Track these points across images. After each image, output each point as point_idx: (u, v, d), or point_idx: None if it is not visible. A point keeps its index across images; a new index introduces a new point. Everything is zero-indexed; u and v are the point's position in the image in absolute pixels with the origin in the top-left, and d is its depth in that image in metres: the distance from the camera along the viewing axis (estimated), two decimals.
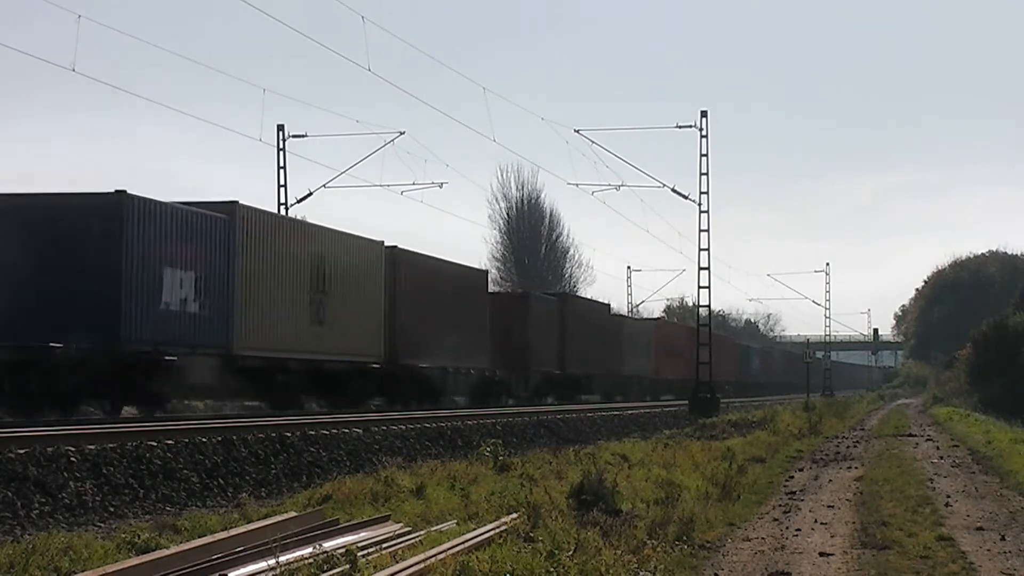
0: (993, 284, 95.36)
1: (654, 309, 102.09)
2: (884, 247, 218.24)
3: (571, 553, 9.31)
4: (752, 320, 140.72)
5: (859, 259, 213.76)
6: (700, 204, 45.88)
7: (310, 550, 8.78)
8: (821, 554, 10.91)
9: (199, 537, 10.09)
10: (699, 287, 47.56)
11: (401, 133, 43.86)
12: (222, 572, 8.30)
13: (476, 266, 42.12)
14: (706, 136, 45.32)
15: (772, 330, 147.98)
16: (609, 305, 64.55)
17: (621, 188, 47.97)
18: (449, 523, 11.33)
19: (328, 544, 9.12)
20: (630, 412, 41.66)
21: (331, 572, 8.27)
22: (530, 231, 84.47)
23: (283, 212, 42.92)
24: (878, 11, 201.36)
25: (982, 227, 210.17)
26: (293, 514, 11.41)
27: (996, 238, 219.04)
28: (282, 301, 28.51)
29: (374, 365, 32.79)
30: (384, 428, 23.22)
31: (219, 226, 26.07)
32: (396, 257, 34.38)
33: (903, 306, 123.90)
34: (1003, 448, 24.76)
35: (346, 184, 51.67)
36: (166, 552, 8.93)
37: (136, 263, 23.55)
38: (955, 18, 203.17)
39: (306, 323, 29.51)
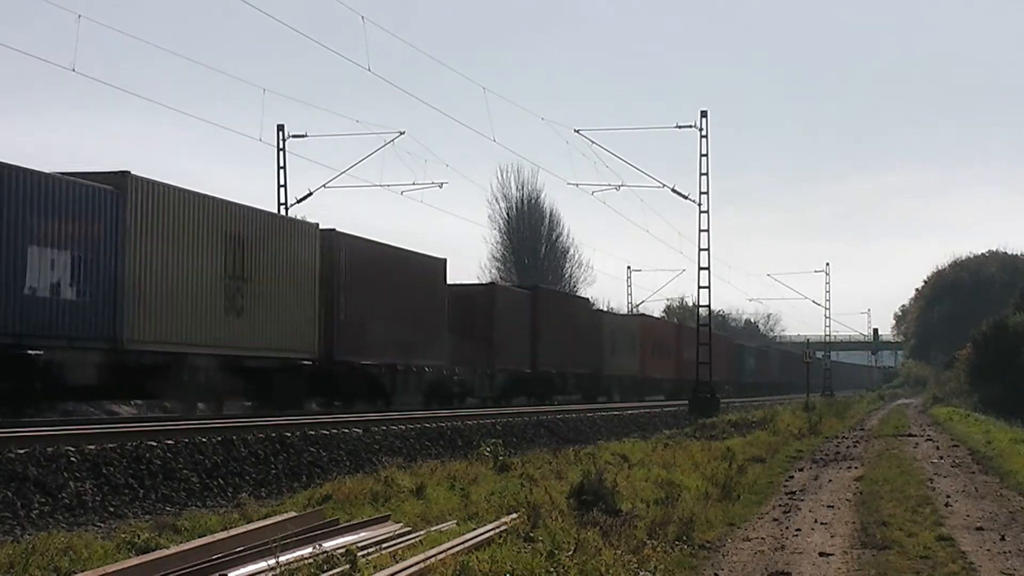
0: (993, 284, 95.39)
1: (654, 309, 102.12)
2: (884, 247, 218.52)
3: (571, 553, 9.31)
4: (752, 320, 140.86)
5: (859, 259, 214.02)
6: (700, 204, 45.88)
7: (310, 550, 8.79)
8: (821, 554, 10.91)
9: (199, 537, 10.09)
10: (699, 287, 47.57)
11: (401, 133, 43.77)
12: (222, 572, 8.30)
13: (435, 255, 38.23)
14: (706, 136, 45.33)
15: (772, 330, 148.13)
16: (588, 299, 62.21)
17: (621, 188, 47.96)
18: (449, 523, 11.34)
19: (328, 544, 9.12)
20: (630, 412, 41.66)
21: (331, 572, 8.27)
22: (530, 231, 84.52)
23: (283, 212, 42.84)
24: (878, 11, 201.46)
25: (982, 227, 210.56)
26: (293, 514, 11.41)
27: (996, 238, 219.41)
28: (188, 287, 25.03)
29: (305, 361, 29.70)
30: (384, 428, 23.22)
31: (105, 200, 22.66)
32: (334, 241, 31.09)
33: (903, 306, 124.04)
34: (1003, 448, 24.76)
35: (346, 184, 51.63)
36: (166, 552, 8.93)
37: None
38: (955, 18, 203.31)
39: (219, 313, 26.07)
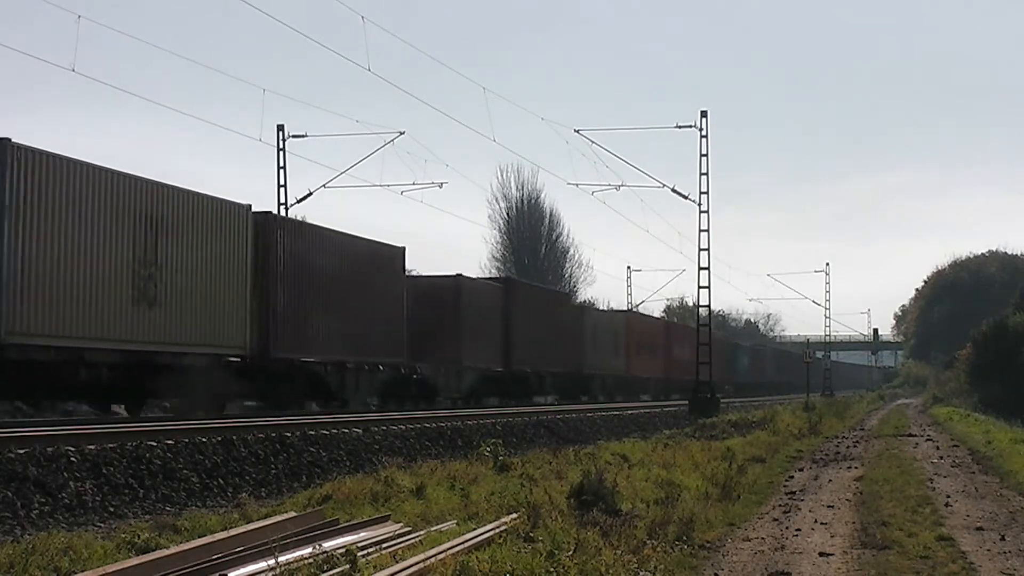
0: (993, 284, 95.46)
1: (654, 309, 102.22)
2: (884, 247, 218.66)
3: (571, 553, 9.31)
4: (752, 320, 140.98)
5: (859, 259, 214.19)
6: (700, 204, 45.88)
7: (310, 550, 8.78)
8: (821, 554, 10.91)
9: (199, 537, 10.09)
10: (699, 287, 47.54)
11: (401, 133, 43.83)
12: (222, 572, 8.30)
13: (392, 243, 35.37)
14: (706, 136, 45.33)
15: (772, 330, 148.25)
16: (568, 294, 60.49)
17: (621, 188, 47.99)
18: (449, 523, 11.33)
19: (328, 544, 9.12)
20: (630, 412, 41.65)
21: (331, 572, 8.27)
22: (530, 231, 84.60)
23: (283, 212, 42.84)
24: (878, 11, 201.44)
25: (982, 227, 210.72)
26: (293, 514, 11.41)
27: (996, 238, 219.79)
28: (86, 274, 22.23)
29: (233, 358, 26.91)
30: (384, 428, 23.22)
31: None
32: (270, 225, 28.51)
33: (903, 306, 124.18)
34: (1003, 448, 24.76)
35: (346, 184, 51.77)
36: (166, 552, 8.93)
37: None
38: (955, 18, 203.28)
39: (127, 303, 23.22)
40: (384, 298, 33.73)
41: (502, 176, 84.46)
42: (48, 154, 21.52)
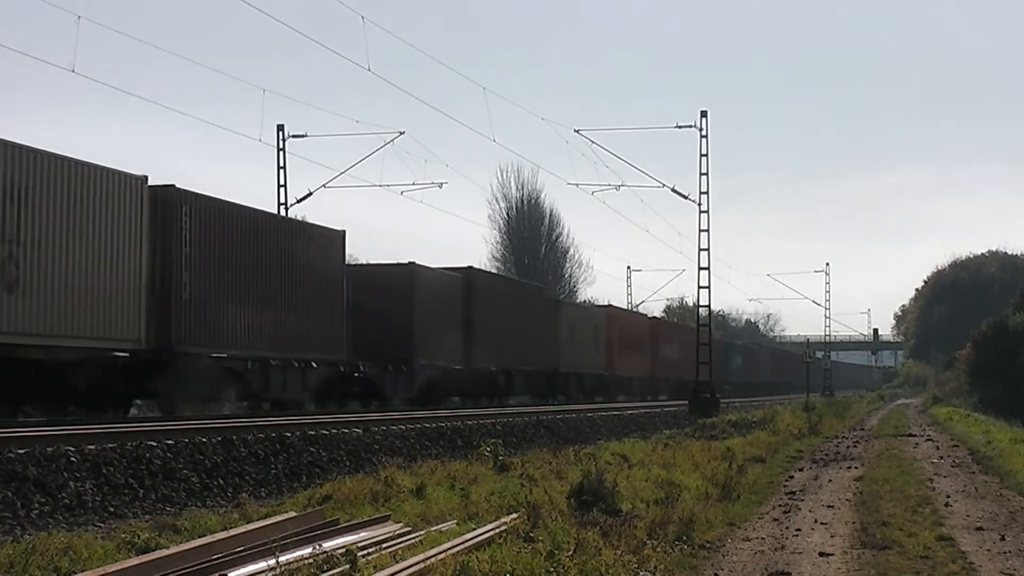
0: (993, 284, 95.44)
1: (654, 309, 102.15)
2: (884, 247, 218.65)
3: (571, 553, 9.31)
4: (752, 320, 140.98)
5: (859, 259, 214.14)
6: (700, 204, 45.90)
7: (310, 550, 8.79)
8: (821, 554, 10.92)
9: (199, 537, 10.10)
10: (699, 287, 47.56)
11: (401, 133, 43.74)
12: (222, 572, 8.31)
13: (334, 227, 32.33)
14: (706, 136, 45.34)
15: (772, 330, 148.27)
16: (541, 286, 56.19)
17: (621, 188, 48.01)
18: (449, 523, 11.34)
19: (328, 544, 9.12)
20: (630, 412, 41.67)
21: (331, 572, 8.27)
22: (530, 231, 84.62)
23: (283, 212, 42.81)
24: (878, 11, 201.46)
25: (982, 227, 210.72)
26: (293, 514, 11.41)
27: (996, 238, 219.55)
28: None
29: (121, 353, 23.48)
30: (384, 428, 23.22)
31: None
32: (174, 200, 24.79)
33: (903, 306, 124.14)
34: (1003, 448, 24.77)
35: (346, 184, 51.63)
36: (166, 552, 8.93)
37: None
38: (955, 19, 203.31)
39: None
40: (320, 287, 30.54)
41: (502, 176, 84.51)
42: None
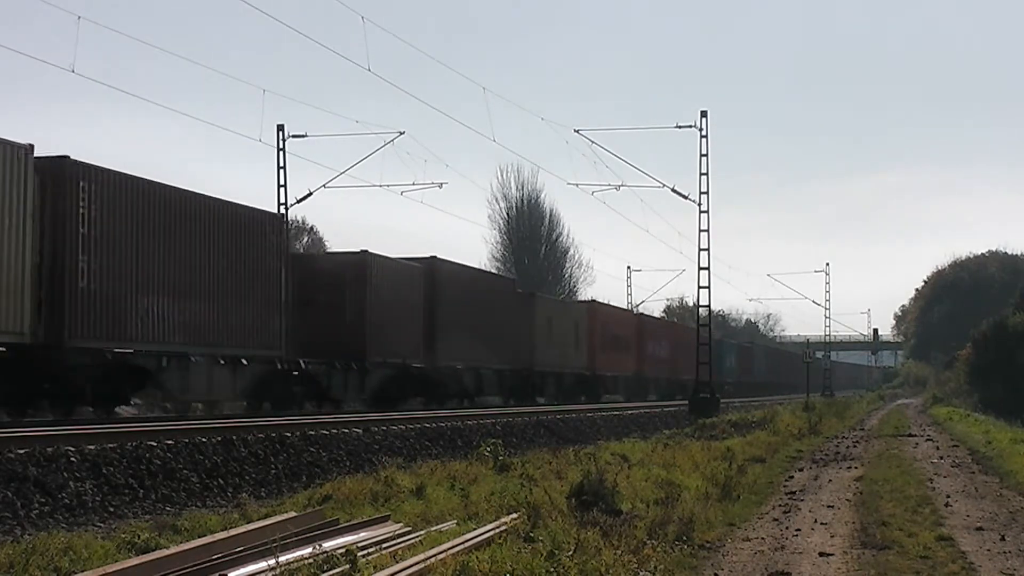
0: (993, 284, 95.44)
1: (654, 309, 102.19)
2: (884, 247, 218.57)
3: (571, 553, 9.31)
4: (752, 320, 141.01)
5: (859, 259, 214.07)
6: (700, 204, 45.87)
7: (310, 550, 8.79)
8: (821, 554, 10.92)
9: (199, 537, 10.11)
10: (699, 287, 47.51)
11: (401, 133, 43.63)
12: (222, 572, 8.31)
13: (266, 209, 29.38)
14: (706, 136, 45.30)
15: (772, 330, 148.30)
16: (513, 279, 53.21)
17: (621, 188, 47.97)
18: (449, 523, 11.34)
19: (328, 544, 9.13)
20: (630, 412, 41.68)
21: (331, 572, 8.27)
22: (530, 231, 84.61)
23: (283, 212, 42.79)
24: (878, 12, 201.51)
25: (982, 227, 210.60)
26: (293, 514, 11.42)
27: (996, 238, 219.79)
28: None
29: None
30: (384, 428, 23.22)
31: None
32: (68, 174, 22.06)
33: (903, 306, 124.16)
34: (1003, 448, 24.77)
35: (346, 184, 51.54)
36: (166, 552, 8.94)
37: None
38: (956, 19, 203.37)
39: None
40: (253, 276, 27.80)
41: (502, 176, 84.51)
42: None
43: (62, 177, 21.91)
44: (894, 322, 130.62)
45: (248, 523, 10.92)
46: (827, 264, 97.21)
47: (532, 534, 10.24)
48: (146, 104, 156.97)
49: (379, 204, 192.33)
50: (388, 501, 13.29)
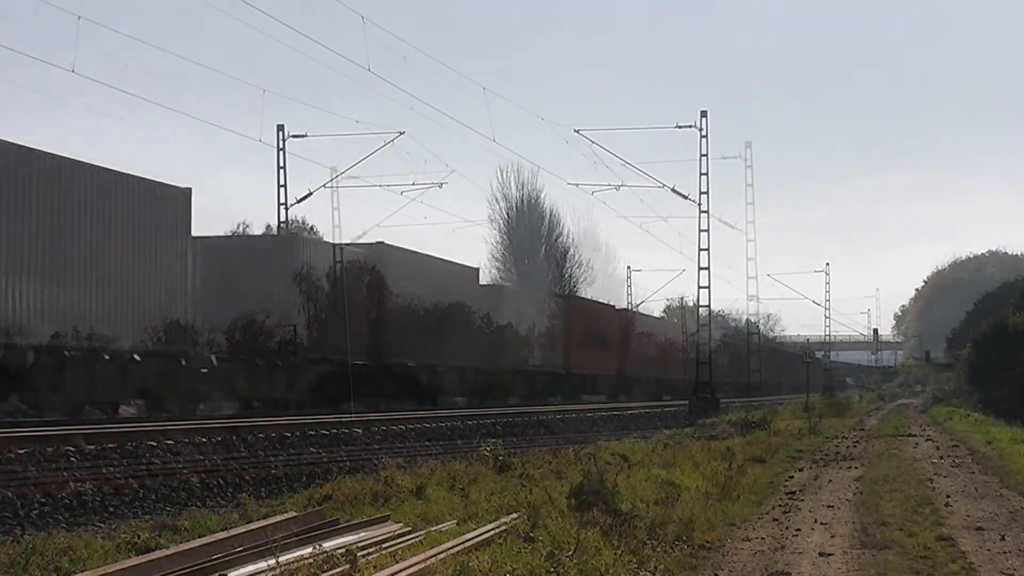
0: (993, 284, 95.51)
1: (654, 309, 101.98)
2: (884, 247, 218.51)
3: (571, 553, 9.31)
4: (752, 320, 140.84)
5: (859, 259, 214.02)
6: (700, 204, 45.90)
7: (310, 550, 8.79)
8: (821, 554, 10.91)
9: (199, 537, 10.10)
10: (699, 287, 47.56)
11: (401, 133, 43.60)
12: (222, 572, 8.31)
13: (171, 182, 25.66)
14: (706, 136, 45.40)
15: (772, 330, 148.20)
16: (476, 269, 48.79)
17: (621, 188, 47.98)
18: (449, 523, 11.34)
19: (328, 544, 9.12)
20: (630, 412, 41.68)
21: (331, 572, 8.27)
22: (530, 231, 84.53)
23: (283, 212, 42.67)
24: (879, 12, 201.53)
25: (982, 227, 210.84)
26: (293, 514, 11.41)
27: (996, 238, 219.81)
28: None
29: None
30: (384, 428, 23.22)
31: None
32: None
33: (903, 306, 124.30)
34: (1003, 448, 24.76)
35: (346, 184, 51.47)
36: (166, 552, 8.93)
37: None
38: (956, 20, 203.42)
39: None
40: (150, 260, 24.42)
41: (502, 176, 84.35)
42: None
43: None
44: (894, 322, 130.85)
45: (248, 523, 10.91)
46: (827, 264, 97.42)
47: (532, 534, 10.23)
48: (146, 104, 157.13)
49: (379, 204, 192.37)
50: (388, 501, 13.29)
